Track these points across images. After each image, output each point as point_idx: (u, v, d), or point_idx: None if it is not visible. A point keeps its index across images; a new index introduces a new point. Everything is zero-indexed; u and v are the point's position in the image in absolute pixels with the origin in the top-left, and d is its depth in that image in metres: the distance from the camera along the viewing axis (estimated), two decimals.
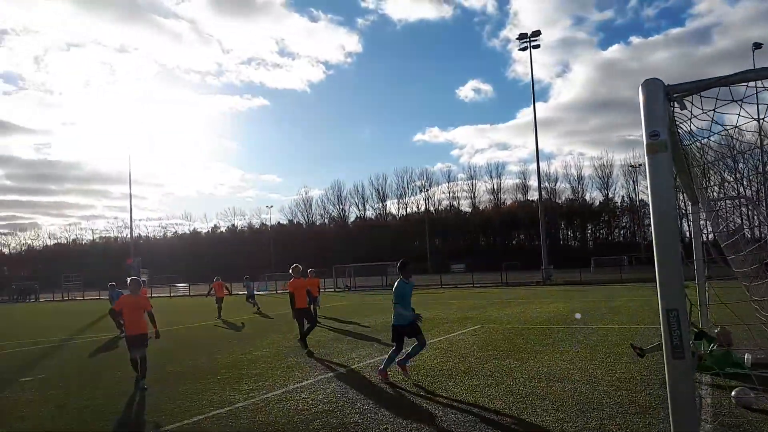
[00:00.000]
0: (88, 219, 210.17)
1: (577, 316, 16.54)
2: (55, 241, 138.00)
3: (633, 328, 13.20)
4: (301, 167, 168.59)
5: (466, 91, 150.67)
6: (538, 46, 48.00)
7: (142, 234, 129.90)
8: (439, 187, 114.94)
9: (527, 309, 19.91)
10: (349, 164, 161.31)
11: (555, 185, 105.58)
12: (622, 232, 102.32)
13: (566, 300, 23.48)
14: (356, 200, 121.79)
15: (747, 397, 6.21)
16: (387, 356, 8.70)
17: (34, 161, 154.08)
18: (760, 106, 3.54)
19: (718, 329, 8.23)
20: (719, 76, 3.43)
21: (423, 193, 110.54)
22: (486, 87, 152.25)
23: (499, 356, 10.19)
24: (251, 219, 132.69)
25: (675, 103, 3.60)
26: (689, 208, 9.23)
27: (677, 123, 4.09)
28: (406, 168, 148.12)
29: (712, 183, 8.42)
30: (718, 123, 3.92)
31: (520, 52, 48.31)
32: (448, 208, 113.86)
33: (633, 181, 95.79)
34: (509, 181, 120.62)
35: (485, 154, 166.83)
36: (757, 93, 3.46)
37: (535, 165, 49.13)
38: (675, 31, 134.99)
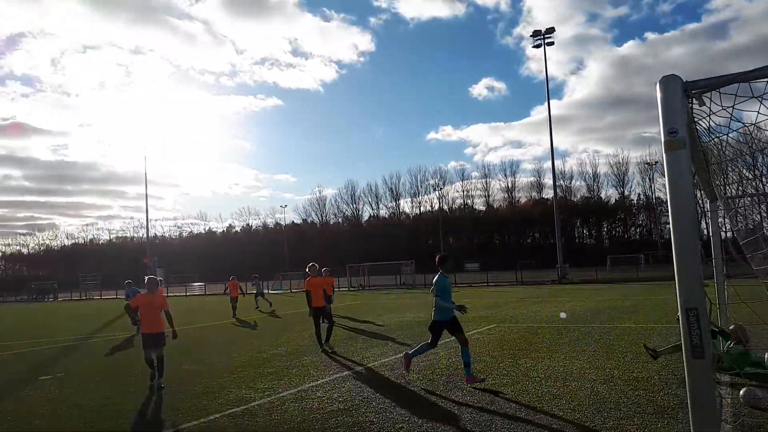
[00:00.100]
0: (105, 219, 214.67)
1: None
2: (73, 241, 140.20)
3: (650, 327, 13.06)
4: (315, 167, 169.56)
5: (480, 89, 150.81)
6: (552, 44, 47.78)
7: (158, 234, 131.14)
8: (453, 185, 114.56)
9: (543, 308, 19.79)
10: (362, 163, 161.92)
11: (570, 183, 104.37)
12: (638, 230, 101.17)
13: (582, 299, 23.29)
14: (370, 199, 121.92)
15: (755, 397, 6.13)
16: (418, 346, 8.63)
17: (51, 162, 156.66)
18: None
19: (732, 326, 8.14)
20: (739, 72, 3.38)
21: (437, 192, 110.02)
22: (499, 85, 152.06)
23: (514, 355, 10.15)
24: (266, 218, 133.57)
25: (693, 99, 3.55)
26: (707, 205, 9.12)
27: (695, 120, 4.03)
28: (420, 167, 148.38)
29: (730, 180, 8.31)
30: (737, 119, 3.86)
31: (534, 49, 48.47)
32: (462, 206, 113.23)
33: (649, 179, 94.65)
34: (524, 179, 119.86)
35: (499, 152, 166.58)
36: None
37: (549, 163, 48.75)
38: (691, 26, 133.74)
